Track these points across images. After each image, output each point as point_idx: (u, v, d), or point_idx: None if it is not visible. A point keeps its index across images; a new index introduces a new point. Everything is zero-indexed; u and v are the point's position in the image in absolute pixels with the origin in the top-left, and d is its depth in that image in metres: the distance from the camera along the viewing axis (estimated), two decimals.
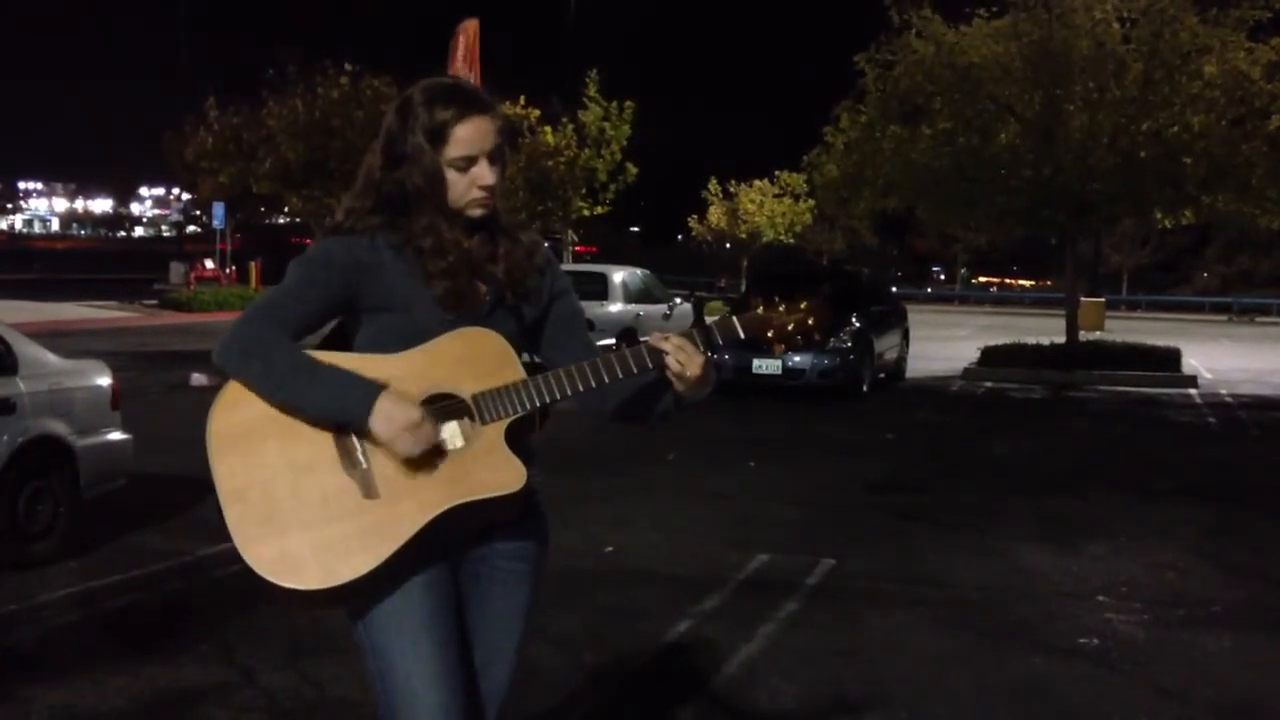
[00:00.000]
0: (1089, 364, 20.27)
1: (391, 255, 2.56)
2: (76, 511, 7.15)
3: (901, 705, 4.90)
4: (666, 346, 2.55)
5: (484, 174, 2.59)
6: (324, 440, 2.49)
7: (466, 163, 2.57)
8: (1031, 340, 22.08)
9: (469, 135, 2.57)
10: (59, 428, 7.03)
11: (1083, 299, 26.05)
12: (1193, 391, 18.77)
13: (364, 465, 2.48)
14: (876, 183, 20.89)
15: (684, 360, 2.54)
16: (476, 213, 2.61)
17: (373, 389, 2.44)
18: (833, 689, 5.10)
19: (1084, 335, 22.88)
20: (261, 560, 2.44)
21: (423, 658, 2.52)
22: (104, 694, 4.87)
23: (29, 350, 7.08)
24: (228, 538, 2.47)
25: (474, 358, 2.54)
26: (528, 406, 2.53)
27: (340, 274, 2.55)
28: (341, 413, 2.45)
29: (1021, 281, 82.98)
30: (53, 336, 11.33)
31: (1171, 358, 20.71)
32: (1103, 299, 38.42)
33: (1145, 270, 65.32)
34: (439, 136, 2.56)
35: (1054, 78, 19.16)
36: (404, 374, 2.50)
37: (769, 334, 2.63)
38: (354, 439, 2.48)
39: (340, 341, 2.67)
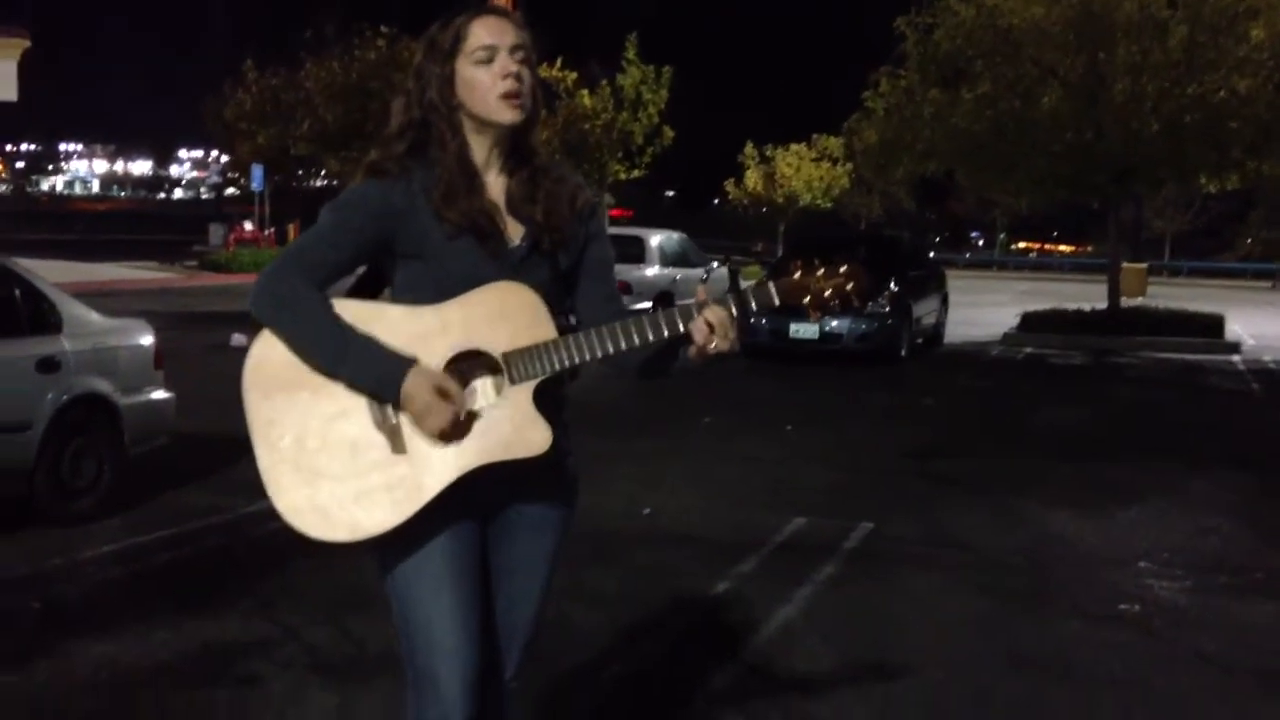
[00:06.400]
0: (1130, 330, 20.09)
1: (425, 201, 2.54)
2: (120, 469, 7.22)
3: (939, 669, 4.89)
4: (709, 318, 2.51)
5: (507, 63, 2.55)
6: (355, 392, 2.50)
7: (487, 53, 2.54)
8: (1072, 306, 21.89)
9: (484, 28, 2.56)
10: (103, 386, 7.09)
11: (1124, 265, 25.77)
12: (1235, 358, 18.58)
13: (394, 420, 2.49)
14: (916, 147, 20.72)
15: (718, 337, 2.50)
16: (508, 116, 2.56)
17: (400, 367, 2.44)
18: (871, 652, 5.09)
19: (1125, 301, 22.67)
20: (292, 510, 2.49)
21: (442, 605, 2.55)
22: (147, 648, 4.93)
23: (73, 309, 7.14)
24: (266, 494, 2.50)
25: (507, 313, 2.52)
26: (557, 367, 2.52)
27: (373, 220, 2.54)
28: (370, 387, 2.48)
29: (1061, 247, 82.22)
30: (95, 296, 11.45)
31: (1214, 324, 20.50)
32: (1144, 265, 37.99)
33: (1188, 236, 64.50)
34: (457, 40, 2.56)
35: (1097, 41, 18.91)
36: (438, 328, 2.50)
37: (805, 300, 2.58)
38: None
39: (372, 285, 2.67)
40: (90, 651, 4.86)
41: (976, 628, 5.46)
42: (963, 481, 8.67)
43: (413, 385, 2.44)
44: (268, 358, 2.51)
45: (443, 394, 2.44)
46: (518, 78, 2.55)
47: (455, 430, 2.47)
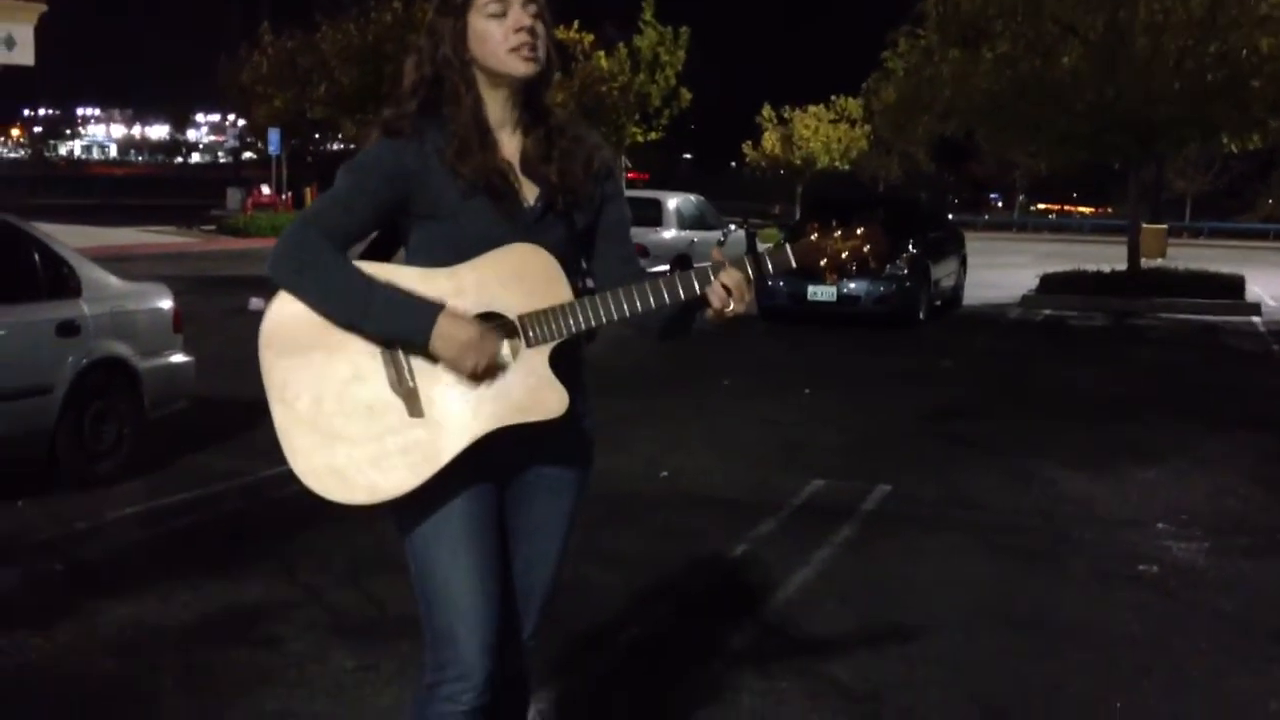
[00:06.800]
0: (1150, 291, 19.98)
1: (439, 161, 2.53)
2: (140, 432, 7.26)
3: (957, 630, 4.90)
4: (725, 281, 2.50)
5: (519, 16, 2.52)
6: (372, 354, 2.50)
7: (500, 6, 2.52)
8: (1092, 267, 21.79)
9: None
10: (122, 349, 7.12)
11: (1144, 226, 25.60)
12: (1256, 319, 18.49)
13: (411, 384, 2.49)
14: (935, 107, 20.58)
15: (735, 300, 2.50)
16: (521, 69, 2.54)
17: (431, 309, 2.44)
18: (888, 614, 5.10)
19: (1145, 262, 22.53)
20: (310, 473, 2.50)
21: (461, 567, 2.56)
22: (170, 609, 4.97)
23: (92, 273, 7.16)
24: (283, 455, 2.51)
25: (522, 276, 2.51)
26: (573, 330, 2.51)
27: (387, 182, 2.53)
28: (401, 333, 2.46)
29: (1081, 209, 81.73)
30: (113, 261, 11.47)
31: (1235, 285, 20.38)
32: (1165, 226, 37.76)
33: (1208, 196, 63.99)
34: None
35: None
36: (452, 291, 2.50)
37: (822, 262, 2.57)
38: (402, 356, 2.49)
39: (386, 248, 2.67)
40: (113, 613, 4.90)
41: (994, 589, 5.46)
42: (980, 443, 8.66)
43: (449, 326, 2.43)
44: (284, 319, 2.51)
45: (478, 329, 2.45)
46: (530, 31, 2.53)
47: (491, 370, 2.47)
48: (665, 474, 7.49)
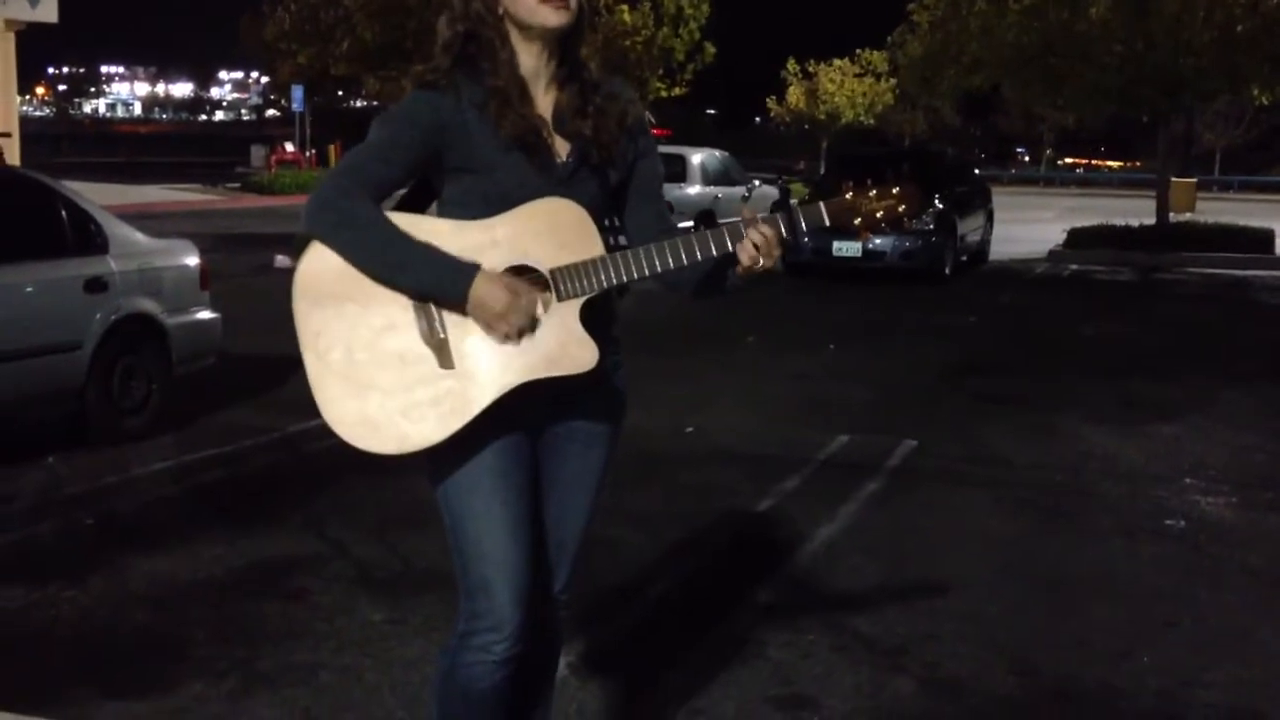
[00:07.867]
0: (1179, 246, 19.83)
1: (475, 115, 2.52)
2: (168, 388, 7.31)
3: (983, 585, 4.91)
4: (755, 237, 2.49)
5: None
6: (404, 305, 2.50)
7: None
8: (1120, 222, 21.62)
9: None
10: (150, 306, 7.15)
11: (1173, 180, 25.36)
12: None
13: (442, 335, 2.49)
14: (962, 60, 20.39)
15: (764, 256, 2.49)
16: (553, 20, 2.51)
17: (468, 271, 2.43)
18: (913, 568, 5.11)
19: (1174, 217, 22.36)
20: (340, 422, 2.50)
21: (495, 518, 2.57)
22: (200, 563, 5.02)
23: (119, 230, 7.19)
24: (316, 414, 2.51)
25: (555, 230, 2.51)
26: (604, 285, 2.51)
27: (423, 134, 2.52)
28: (438, 292, 2.46)
29: (1109, 163, 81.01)
30: (139, 218, 11.48)
31: (1264, 239, 20.20)
32: (1194, 180, 37.37)
33: (1238, 150, 63.26)
34: None
35: None
36: (486, 244, 2.49)
37: (856, 221, 2.55)
38: (434, 308, 2.49)
39: (420, 199, 2.66)
40: (143, 567, 4.95)
41: (1019, 544, 5.46)
42: (1006, 399, 8.64)
43: (485, 289, 2.42)
44: (317, 269, 2.51)
45: (514, 292, 2.44)
46: None
47: (529, 329, 2.47)
48: (691, 429, 7.49)
